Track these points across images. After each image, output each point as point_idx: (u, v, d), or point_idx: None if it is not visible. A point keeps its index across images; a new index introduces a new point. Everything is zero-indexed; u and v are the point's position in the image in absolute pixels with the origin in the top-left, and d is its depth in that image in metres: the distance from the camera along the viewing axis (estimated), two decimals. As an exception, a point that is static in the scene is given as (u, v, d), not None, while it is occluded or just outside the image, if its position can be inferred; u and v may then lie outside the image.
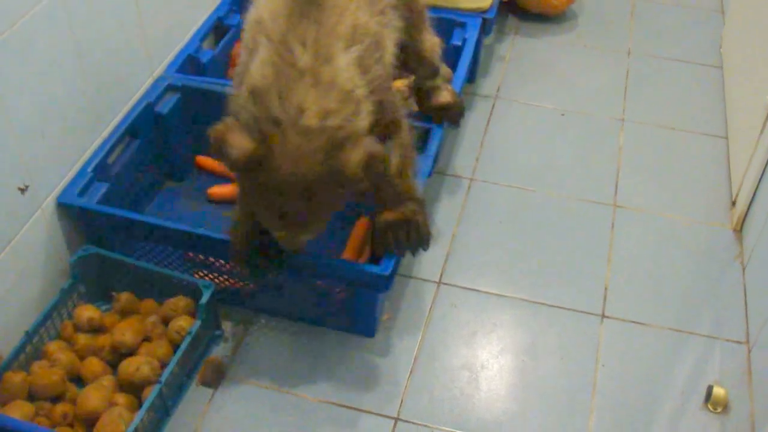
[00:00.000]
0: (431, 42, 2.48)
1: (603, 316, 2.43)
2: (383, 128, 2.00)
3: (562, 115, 3.16)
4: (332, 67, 1.78)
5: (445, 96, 2.59)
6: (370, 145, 1.77)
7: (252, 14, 1.94)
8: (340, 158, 1.75)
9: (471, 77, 3.24)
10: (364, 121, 1.83)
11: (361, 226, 2.49)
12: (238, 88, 1.85)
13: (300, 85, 1.75)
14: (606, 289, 2.51)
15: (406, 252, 2.20)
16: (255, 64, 1.81)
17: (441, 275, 2.53)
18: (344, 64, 1.80)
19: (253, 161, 1.75)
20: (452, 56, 2.89)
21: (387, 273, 2.11)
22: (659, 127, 3.11)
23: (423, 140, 2.50)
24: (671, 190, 2.85)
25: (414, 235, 2.17)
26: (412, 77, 2.95)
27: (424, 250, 2.23)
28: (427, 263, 2.56)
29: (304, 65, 1.76)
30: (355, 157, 1.74)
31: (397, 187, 2.14)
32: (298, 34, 1.79)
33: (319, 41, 1.79)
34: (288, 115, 1.74)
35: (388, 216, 2.16)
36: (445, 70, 2.70)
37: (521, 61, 3.43)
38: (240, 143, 1.74)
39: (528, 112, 3.18)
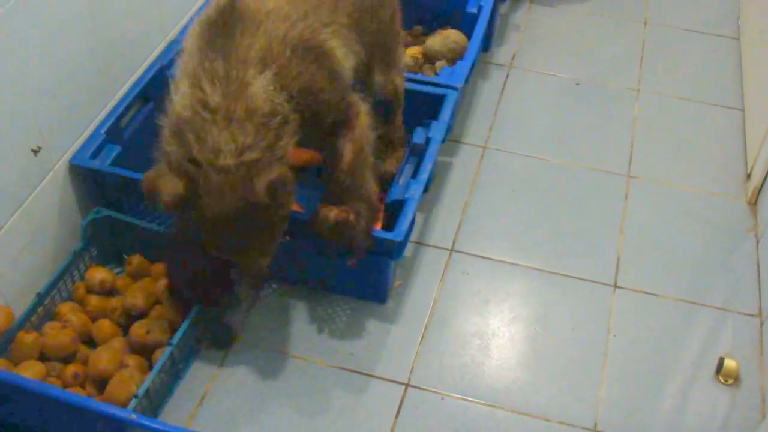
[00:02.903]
0: (383, 85, 2.40)
1: (615, 286, 2.42)
2: (330, 126, 1.99)
3: (577, 84, 3.13)
4: (246, 97, 1.77)
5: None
6: (274, 170, 1.75)
7: (184, 39, 1.95)
8: (252, 188, 1.74)
9: (486, 45, 3.22)
10: (287, 144, 1.81)
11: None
12: (166, 118, 1.85)
13: (213, 126, 1.75)
14: (618, 259, 2.50)
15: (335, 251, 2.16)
16: (177, 98, 1.82)
17: (453, 242, 2.52)
18: (259, 88, 1.79)
19: (183, 203, 1.77)
20: (468, 23, 2.87)
21: (400, 239, 2.10)
22: (675, 98, 3.08)
23: (437, 107, 2.48)
24: (686, 161, 2.83)
25: (346, 242, 2.11)
26: (424, 43, 2.94)
27: (357, 257, 2.17)
28: (439, 230, 2.56)
29: (216, 105, 1.76)
30: (260, 185, 1.73)
31: (344, 184, 2.06)
32: (207, 69, 1.79)
33: (230, 75, 1.78)
34: (206, 156, 1.74)
35: (329, 213, 2.05)
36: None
37: (536, 30, 3.40)
38: (170, 188, 1.76)
39: (542, 81, 3.15)
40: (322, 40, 1.95)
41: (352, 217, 2.03)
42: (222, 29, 1.83)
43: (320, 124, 1.95)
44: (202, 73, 1.79)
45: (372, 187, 2.13)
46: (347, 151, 2.02)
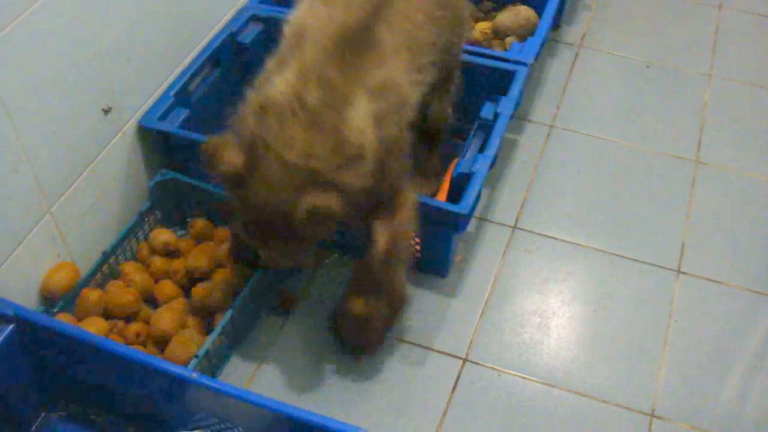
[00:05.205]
0: (439, 112, 2.35)
1: (679, 271, 2.39)
2: (377, 200, 1.91)
3: (647, 66, 3.09)
4: (341, 115, 1.73)
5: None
6: (324, 197, 1.71)
7: (299, 15, 1.90)
8: (296, 200, 1.72)
9: (555, 24, 3.18)
10: (351, 177, 1.76)
11: (452, 166, 2.44)
12: (255, 94, 1.83)
13: (297, 122, 1.72)
14: (683, 244, 2.46)
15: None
16: (279, 78, 1.78)
17: (516, 220, 2.51)
18: (360, 114, 1.75)
19: (238, 178, 1.76)
20: (538, 1, 2.84)
21: (465, 212, 2.08)
22: (747, 85, 3.02)
23: (505, 83, 2.46)
24: (755, 149, 2.77)
25: (354, 339, 2.14)
26: (494, 19, 2.90)
27: (366, 353, 2.17)
28: (502, 207, 2.54)
29: (311, 105, 1.73)
30: (305, 203, 1.70)
31: (372, 274, 1.98)
32: (320, 70, 1.76)
33: (338, 87, 1.74)
34: (277, 145, 1.72)
35: (351, 305, 2.03)
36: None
37: (607, 10, 3.35)
38: (230, 159, 1.76)
39: (612, 62, 3.11)
40: (410, 96, 1.92)
41: (374, 322, 2.07)
42: (352, 44, 1.80)
43: (378, 188, 1.87)
44: (313, 72, 1.75)
45: (400, 284, 2.08)
46: (382, 238, 1.94)
